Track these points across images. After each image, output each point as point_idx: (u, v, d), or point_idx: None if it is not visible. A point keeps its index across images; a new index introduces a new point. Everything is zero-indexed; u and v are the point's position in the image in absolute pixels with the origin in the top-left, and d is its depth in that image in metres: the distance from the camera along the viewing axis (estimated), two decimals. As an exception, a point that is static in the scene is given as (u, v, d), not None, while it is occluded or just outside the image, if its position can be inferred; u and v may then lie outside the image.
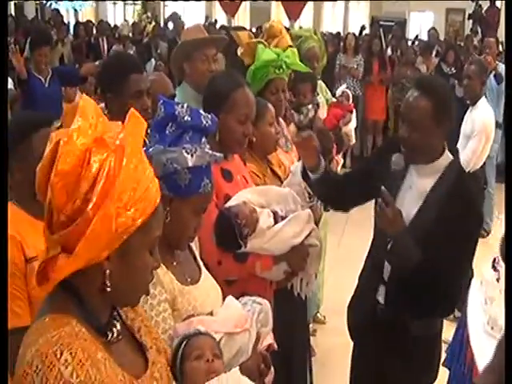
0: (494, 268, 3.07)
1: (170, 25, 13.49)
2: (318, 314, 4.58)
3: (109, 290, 1.19)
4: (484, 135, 4.84)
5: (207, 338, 1.56)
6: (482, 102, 4.94)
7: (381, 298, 2.45)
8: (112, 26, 14.28)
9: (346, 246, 4.74)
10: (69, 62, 9.83)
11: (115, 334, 1.26)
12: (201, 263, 1.93)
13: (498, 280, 3.00)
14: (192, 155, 1.66)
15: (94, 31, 12.05)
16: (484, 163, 5.03)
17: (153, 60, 9.32)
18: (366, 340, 2.55)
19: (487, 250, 3.32)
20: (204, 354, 1.50)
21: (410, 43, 11.31)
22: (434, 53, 9.39)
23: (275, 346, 1.87)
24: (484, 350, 2.67)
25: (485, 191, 5.43)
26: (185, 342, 1.53)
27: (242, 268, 2.30)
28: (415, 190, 2.37)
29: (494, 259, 3.11)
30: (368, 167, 2.70)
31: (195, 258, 1.92)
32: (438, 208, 2.27)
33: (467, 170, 5.05)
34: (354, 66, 8.88)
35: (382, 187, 2.24)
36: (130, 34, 12.75)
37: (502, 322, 2.85)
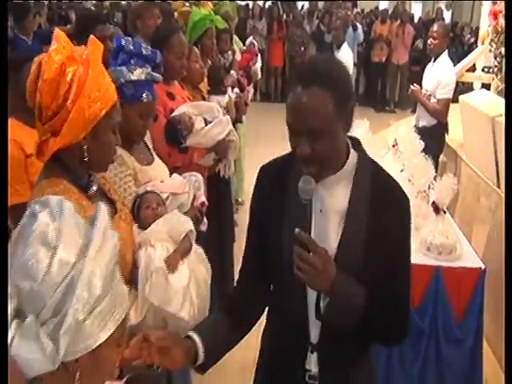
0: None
1: (123, -1, 12.61)
2: (239, 199, 4.65)
3: (86, 160, 1.23)
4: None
5: (152, 194, 1.59)
6: (345, 45, 4.95)
7: (313, 366, 1.28)
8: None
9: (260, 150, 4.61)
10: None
11: (93, 191, 1.29)
12: (153, 152, 1.96)
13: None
14: (132, 72, 1.68)
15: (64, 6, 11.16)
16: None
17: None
18: None
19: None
20: (151, 204, 1.54)
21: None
22: (315, 16, 9.35)
23: (206, 203, 1.91)
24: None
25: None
26: (138, 199, 1.57)
27: (184, 157, 2.34)
28: (328, 210, 1.21)
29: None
30: (259, 224, 1.28)
31: (149, 149, 1.95)
32: (364, 219, 1.19)
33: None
34: (260, 27, 8.77)
35: (296, 230, 1.11)
36: (93, 8, 11.86)
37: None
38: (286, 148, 1.21)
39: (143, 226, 1.45)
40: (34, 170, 1.80)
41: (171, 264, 1.32)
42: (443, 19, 9.93)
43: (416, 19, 11.21)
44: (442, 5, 12.30)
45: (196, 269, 1.41)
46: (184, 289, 1.31)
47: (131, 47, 1.75)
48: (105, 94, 1.19)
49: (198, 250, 1.47)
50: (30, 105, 1.21)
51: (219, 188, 2.81)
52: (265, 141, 4.15)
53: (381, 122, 6.62)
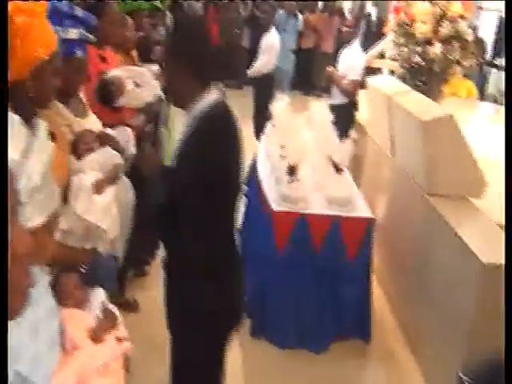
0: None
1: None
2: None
3: (30, 95, 1.38)
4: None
5: (89, 132, 1.75)
6: (273, 29, 5.15)
7: None
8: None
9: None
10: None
11: None
12: (88, 108, 2.06)
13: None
14: (66, 32, 1.79)
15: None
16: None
17: None
18: None
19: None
20: (86, 140, 1.72)
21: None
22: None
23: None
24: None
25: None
26: (77, 135, 1.73)
27: (115, 116, 2.44)
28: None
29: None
30: None
31: (84, 105, 2.05)
32: (183, 147, 1.43)
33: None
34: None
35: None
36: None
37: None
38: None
39: (79, 158, 1.63)
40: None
41: (97, 186, 1.53)
42: (369, 15, 10.50)
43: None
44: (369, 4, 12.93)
45: (120, 194, 1.63)
46: (105, 206, 1.53)
47: (65, 9, 1.89)
48: (47, 41, 1.37)
49: (124, 180, 1.69)
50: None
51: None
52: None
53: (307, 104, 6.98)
